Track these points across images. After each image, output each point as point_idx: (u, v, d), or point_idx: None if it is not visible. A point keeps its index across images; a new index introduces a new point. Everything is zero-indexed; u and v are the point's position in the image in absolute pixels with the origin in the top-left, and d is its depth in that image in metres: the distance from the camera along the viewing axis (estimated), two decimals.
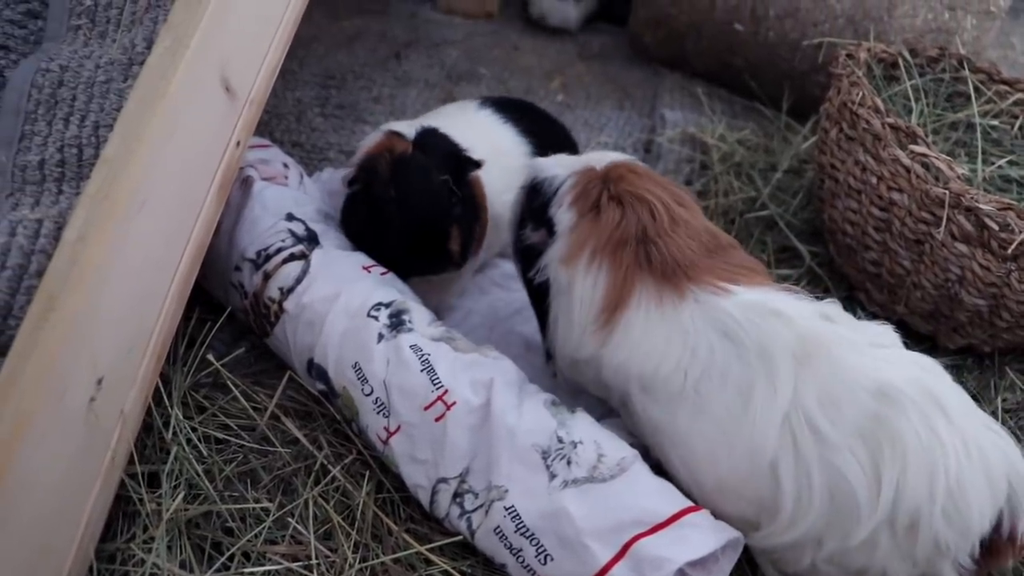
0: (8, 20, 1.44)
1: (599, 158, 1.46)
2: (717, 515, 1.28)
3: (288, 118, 2.26)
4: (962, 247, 1.59)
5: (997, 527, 1.21)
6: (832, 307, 1.32)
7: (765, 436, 1.22)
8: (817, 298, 1.33)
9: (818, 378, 1.22)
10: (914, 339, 1.81)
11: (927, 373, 1.25)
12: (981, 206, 1.53)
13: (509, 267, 1.83)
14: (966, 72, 1.99)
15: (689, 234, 1.34)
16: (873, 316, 1.85)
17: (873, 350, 1.26)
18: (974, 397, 1.67)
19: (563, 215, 1.38)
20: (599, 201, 1.36)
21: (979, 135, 1.88)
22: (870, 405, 1.20)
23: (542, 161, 1.49)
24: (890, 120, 1.69)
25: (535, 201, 1.44)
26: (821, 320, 1.28)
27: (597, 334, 1.33)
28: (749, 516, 1.28)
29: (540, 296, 1.43)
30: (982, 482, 1.19)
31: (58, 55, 1.36)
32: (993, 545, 1.22)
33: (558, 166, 1.45)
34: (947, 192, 1.56)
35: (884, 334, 1.31)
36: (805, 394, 1.22)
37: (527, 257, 1.45)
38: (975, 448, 1.20)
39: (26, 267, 1.13)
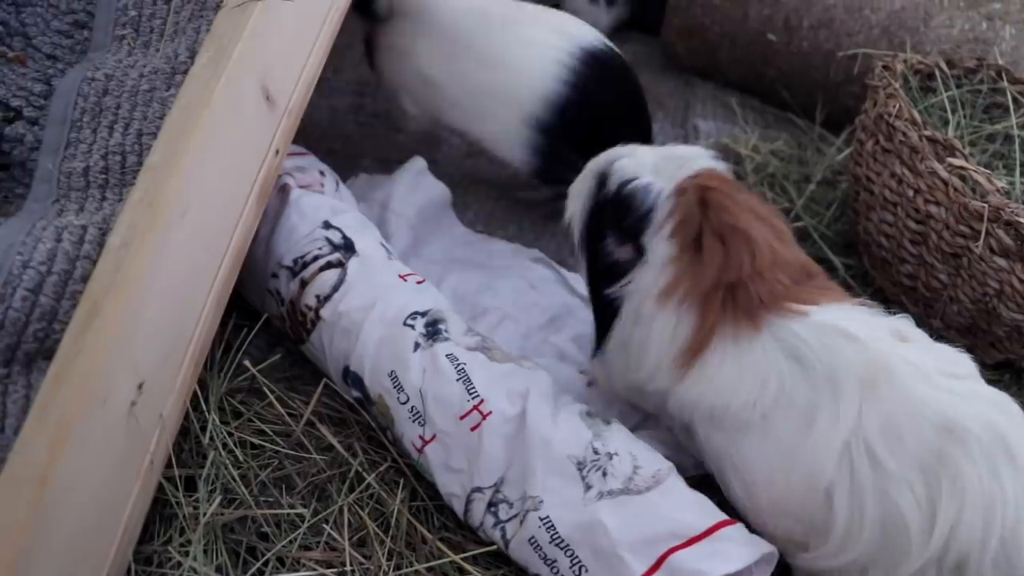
0: (56, 31, 1.47)
1: (685, 160, 1.39)
2: (767, 534, 1.27)
3: (322, 125, 2.28)
4: (1001, 261, 1.57)
5: None
6: (905, 323, 1.30)
7: (824, 461, 1.21)
8: (890, 312, 1.32)
9: (883, 406, 1.20)
10: None
11: (1000, 414, 1.21)
12: (1021, 219, 1.52)
13: (545, 271, 1.84)
14: (1004, 83, 1.98)
15: (783, 271, 1.31)
16: None
17: (945, 380, 1.22)
18: None
19: (661, 246, 1.33)
20: (700, 235, 1.31)
21: (1018, 147, 1.87)
22: (933, 440, 1.17)
23: (627, 157, 1.41)
24: (927, 132, 1.67)
25: (625, 213, 1.36)
26: (893, 339, 1.26)
27: (670, 372, 1.32)
28: (799, 537, 1.27)
29: (609, 311, 1.40)
30: None
31: (103, 64, 1.39)
32: None
33: (650, 170, 1.38)
34: (986, 205, 1.55)
35: (959, 363, 1.28)
36: (868, 422, 1.20)
37: (607, 271, 1.40)
38: None
39: (71, 272, 1.14)
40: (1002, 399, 1.25)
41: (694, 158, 1.41)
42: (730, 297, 1.29)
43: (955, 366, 1.27)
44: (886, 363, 1.22)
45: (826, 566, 1.25)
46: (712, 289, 1.29)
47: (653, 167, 1.38)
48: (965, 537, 1.16)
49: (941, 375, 1.23)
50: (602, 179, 1.42)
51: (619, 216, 1.37)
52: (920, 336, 1.31)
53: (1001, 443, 1.17)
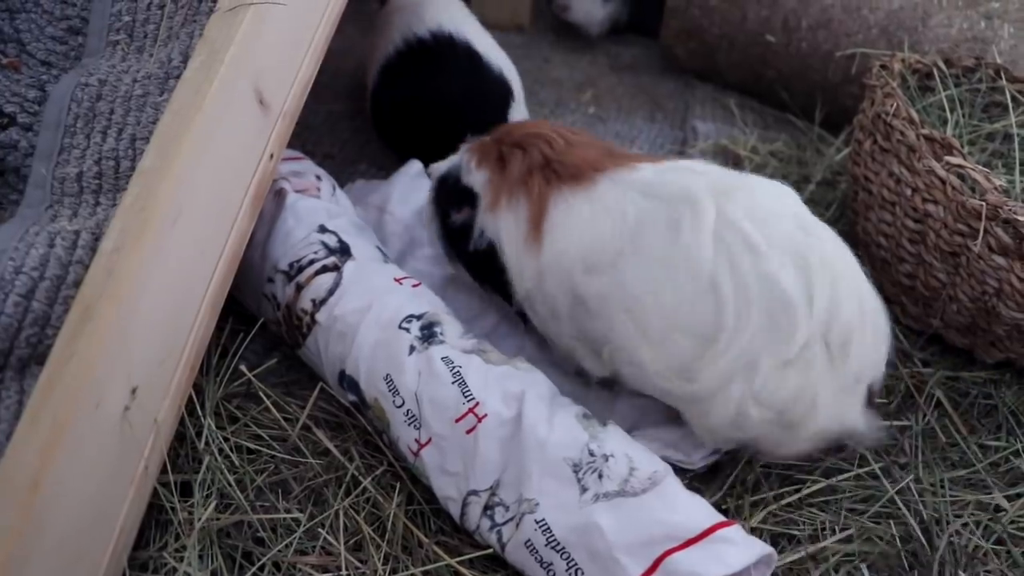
0: (50, 37, 1.47)
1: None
2: (662, 369, 1.34)
3: (320, 130, 2.28)
4: (1000, 260, 1.56)
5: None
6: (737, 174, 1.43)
7: (700, 250, 1.29)
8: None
9: (742, 203, 1.31)
10: (950, 353, 1.79)
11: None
12: (1019, 217, 1.51)
13: None
14: (1003, 82, 1.97)
15: (588, 148, 1.46)
16: (908, 329, 1.83)
17: (785, 196, 1.38)
18: (1012, 413, 1.65)
19: (476, 178, 1.50)
20: (501, 153, 1.49)
21: (1016, 146, 1.86)
22: (795, 230, 1.30)
23: (437, 164, 1.62)
24: (925, 131, 1.67)
25: (448, 188, 1.56)
26: (734, 174, 1.40)
27: (530, 250, 1.42)
28: (692, 350, 1.32)
29: (488, 261, 1.50)
30: (883, 332, 1.35)
31: (97, 70, 1.39)
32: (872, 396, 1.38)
33: (452, 156, 1.59)
34: (984, 204, 1.54)
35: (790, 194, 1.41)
36: (734, 212, 1.30)
37: (461, 237, 1.54)
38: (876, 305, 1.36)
39: (63, 278, 1.14)
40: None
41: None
42: (550, 174, 1.43)
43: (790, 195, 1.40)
44: (733, 181, 1.37)
45: (720, 370, 1.29)
46: (527, 175, 1.44)
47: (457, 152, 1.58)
48: (846, 310, 1.28)
49: (781, 193, 1.38)
50: (432, 192, 1.62)
51: (447, 194, 1.57)
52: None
53: (844, 260, 1.34)
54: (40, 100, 1.38)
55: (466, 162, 1.52)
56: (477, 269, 1.57)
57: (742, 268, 1.27)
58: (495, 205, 1.46)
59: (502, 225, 1.46)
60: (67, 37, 1.47)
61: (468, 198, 1.51)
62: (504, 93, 2.01)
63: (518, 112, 2.03)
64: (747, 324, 1.27)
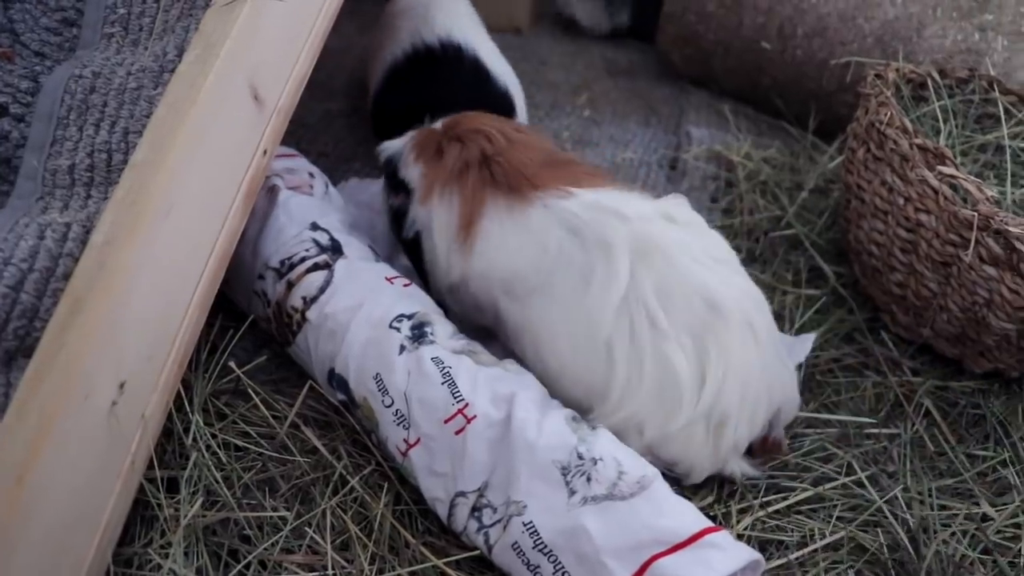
0: (45, 27, 1.46)
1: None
2: (561, 399, 1.39)
3: (315, 128, 2.28)
4: (990, 270, 1.57)
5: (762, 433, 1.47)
6: (676, 205, 1.45)
7: (602, 313, 1.35)
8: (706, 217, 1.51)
9: (654, 273, 1.35)
10: (940, 362, 1.79)
11: (752, 303, 1.42)
12: (1011, 228, 1.51)
13: None
14: (996, 94, 1.97)
15: (527, 150, 1.48)
16: (897, 338, 1.83)
17: (709, 260, 1.40)
18: (1000, 423, 1.66)
19: (412, 171, 1.54)
20: (440, 146, 1.51)
21: (1008, 157, 1.86)
22: (702, 311, 1.34)
23: (388, 143, 1.63)
24: (918, 141, 1.67)
25: (388, 171, 1.60)
26: (661, 220, 1.40)
27: (459, 251, 1.46)
28: (583, 399, 1.40)
29: (416, 248, 1.56)
30: (766, 398, 1.42)
31: (91, 62, 1.38)
32: (755, 446, 1.48)
33: (400, 139, 1.61)
34: (976, 214, 1.55)
35: (720, 246, 1.45)
36: (643, 283, 1.34)
37: (397, 223, 1.59)
38: (769, 373, 1.42)
39: (53, 270, 1.14)
40: (752, 290, 1.45)
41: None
42: (486, 172, 1.45)
43: (717, 249, 1.44)
44: (654, 238, 1.37)
45: (608, 424, 1.36)
46: (463, 171, 1.46)
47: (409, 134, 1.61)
48: (728, 397, 1.36)
49: (705, 255, 1.40)
50: (382, 167, 1.64)
51: (387, 177, 1.62)
52: (688, 217, 1.45)
53: (750, 324, 1.38)
54: (33, 91, 1.37)
55: (405, 154, 1.56)
56: (411, 255, 1.61)
57: (641, 340, 1.34)
58: (427, 198, 1.50)
59: (433, 217, 1.49)
60: (61, 28, 1.46)
61: (404, 188, 1.56)
62: (507, 110, 2.01)
63: None
64: (636, 392, 1.36)
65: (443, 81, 2.01)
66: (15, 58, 1.42)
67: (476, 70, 2.01)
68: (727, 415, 1.37)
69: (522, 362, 1.45)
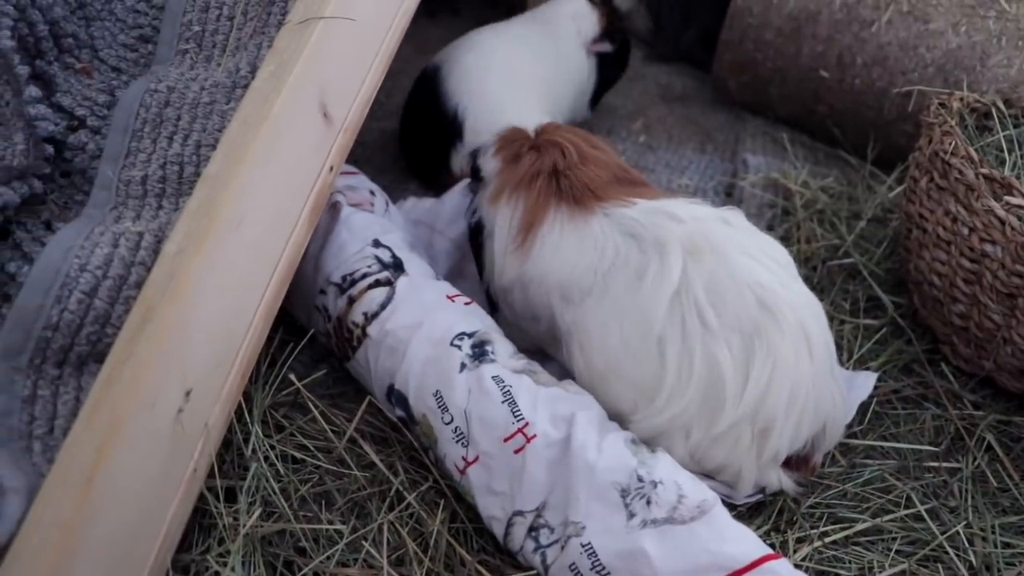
0: (122, 44, 1.50)
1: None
2: (602, 402, 1.40)
3: (373, 147, 2.31)
4: None
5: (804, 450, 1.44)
6: (733, 213, 1.46)
7: (655, 309, 1.36)
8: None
9: (706, 271, 1.35)
10: (1002, 396, 1.75)
11: (808, 311, 1.40)
12: None
13: None
14: None
15: (599, 167, 1.52)
16: (958, 370, 1.80)
17: (767, 259, 1.39)
18: None
19: (488, 163, 1.61)
20: (520, 151, 1.57)
21: None
22: (753, 309, 1.34)
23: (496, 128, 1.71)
24: (984, 170, 1.65)
25: (472, 158, 1.70)
26: (718, 222, 1.42)
27: (516, 253, 1.50)
28: (630, 400, 1.40)
29: (476, 236, 1.64)
30: (813, 410, 1.39)
31: (166, 77, 1.41)
32: (794, 460, 1.45)
33: (502, 130, 1.68)
34: None
35: (778, 248, 1.45)
36: (694, 279, 1.35)
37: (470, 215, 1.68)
38: (819, 386, 1.39)
39: (126, 278, 1.16)
40: (810, 299, 1.43)
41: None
42: (553, 184, 1.50)
43: (775, 251, 1.44)
44: (709, 237, 1.38)
45: (654, 424, 1.37)
46: (532, 178, 1.51)
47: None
48: (773, 401, 1.34)
49: (763, 254, 1.40)
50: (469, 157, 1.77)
51: (471, 165, 1.70)
52: (746, 224, 1.47)
53: (804, 332, 1.36)
54: (109, 104, 1.40)
55: (489, 146, 1.64)
56: (472, 243, 1.68)
57: (691, 338, 1.34)
58: (496, 198, 1.56)
59: (497, 218, 1.55)
60: (138, 45, 1.50)
61: (479, 177, 1.63)
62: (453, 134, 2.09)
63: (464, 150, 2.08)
64: (685, 391, 1.35)
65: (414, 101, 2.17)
66: (93, 73, 1.46)
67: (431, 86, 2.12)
68: (773, 419, 1.35)
69: (570, 372, 1.47)
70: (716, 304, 1.34)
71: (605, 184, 1.49)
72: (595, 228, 1.44)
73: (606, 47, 2.15)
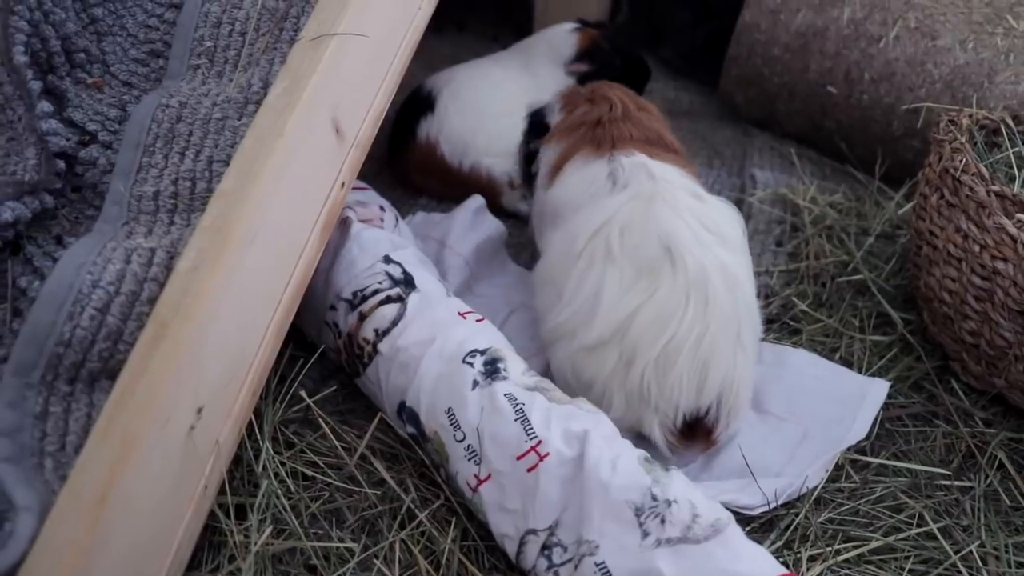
0: (133, 59, 1.50)
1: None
2: (534, 301, 1.65)
3: (382, 162, 2.31)
4: None
5: (702, 417, 1.50)
6: (713, 197, 1.60)
7: (584, 232, 1.53)
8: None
9: (634, 213, 1.50)
10: (1013, 413, 1.75)
11: (721, 276, 1.47)
12: None
13: None
14: None
15: (635, 126, 1.69)
16: (968, 387, 1.79)
17: (694, 223, 1.50)
18: None
19: (555, 115, 1.84)
20: (577, 103, 1.79)
21: None
22: (654, 252, 1.47)
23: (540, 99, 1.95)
24: (995, 188, 1.65)
25: (536, 119, 1.90)
26: (683, 190, 1.55)
27: (545, 182, 1.73)
28: (549, 303, 1.58)
29: (528, 162, 1.88)
30: (694, 371, 1.45)
31: (178, 92, 1.41)
32: (693, 428, 1.51)
33: (549, 98, 1.92)
34: None
35: (727, 223, 1.56)
36: (618, 216, 1.51)
37: (527, 161, 1.89)
38: (710, 345, 1.45)
39: (138, 294, 1.15)
40: (732, 268, 1.49)
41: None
42: (589, 134, 1.69)
43: (718, 222, 1.54)
44: (663, 194, 1.52)
45: (556, 324, 1.53)
46: (575, 127, 1.73)
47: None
48: (638, 332, 1.44)
49: (699, 222, 1.50)
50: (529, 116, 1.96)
51: (532, 126, 1.91)
52: (718, 204, 1.59)
53: (704, 292, 1.44)
54: (121, 119, 1.40)
55: (554, 103, 1.87)
56: (525, 163, 1.91)
57: (595, 260, 1.50)
58: (548, 140, 1.78)
59: (543, 157, 1.78)
60: (149, 60, 1.50)
61: (545, 131, 1.83)
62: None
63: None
64: (575, 299, 1.50)
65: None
66: (105, 88, 1.46)
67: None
68: (637, 350, 1.44)
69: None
70: (625, 238, 1.49)
71: (629, 139, 1.66)
72: (595, 168, 1.62)
73: (583, 67, 2.23)
